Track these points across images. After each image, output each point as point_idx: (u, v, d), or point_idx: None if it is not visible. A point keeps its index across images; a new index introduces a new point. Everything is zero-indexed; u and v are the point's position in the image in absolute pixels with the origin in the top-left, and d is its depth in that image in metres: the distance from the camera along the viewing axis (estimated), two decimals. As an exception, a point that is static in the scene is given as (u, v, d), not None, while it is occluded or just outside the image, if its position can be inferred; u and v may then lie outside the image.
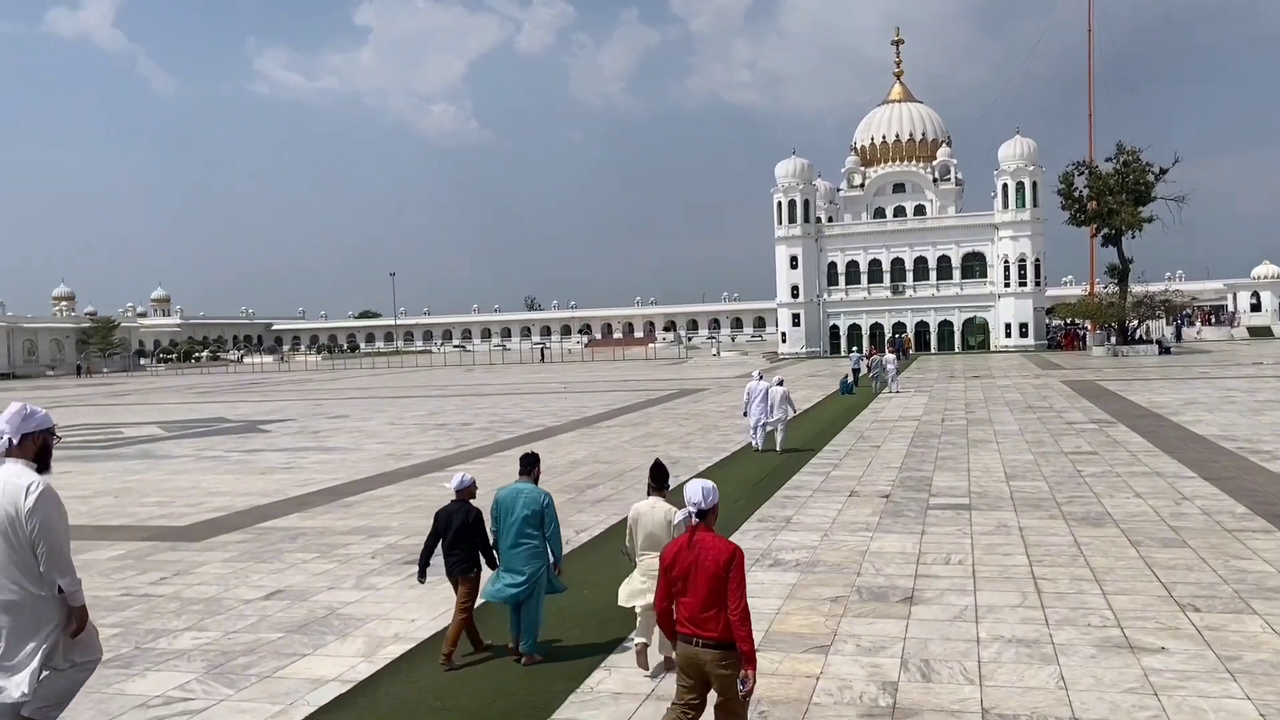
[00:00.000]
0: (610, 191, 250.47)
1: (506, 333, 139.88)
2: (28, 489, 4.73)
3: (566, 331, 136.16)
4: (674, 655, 4.97)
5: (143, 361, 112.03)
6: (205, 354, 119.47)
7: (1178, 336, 68.93)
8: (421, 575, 7.83)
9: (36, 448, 4.94)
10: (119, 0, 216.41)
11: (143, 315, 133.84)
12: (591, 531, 12.12)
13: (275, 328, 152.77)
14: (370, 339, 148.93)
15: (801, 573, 9.74)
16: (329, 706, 6.71)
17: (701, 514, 5.08)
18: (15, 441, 4.83)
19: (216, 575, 10.54)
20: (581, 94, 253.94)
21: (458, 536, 7.53)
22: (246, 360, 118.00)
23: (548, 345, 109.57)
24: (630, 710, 6.43)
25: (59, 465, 19.30)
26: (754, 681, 4.86)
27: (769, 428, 19.49)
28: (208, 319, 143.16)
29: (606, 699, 6.65)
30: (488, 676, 7.16)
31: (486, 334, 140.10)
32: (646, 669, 7.01)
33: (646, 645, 7.05)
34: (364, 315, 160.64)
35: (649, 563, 6.92)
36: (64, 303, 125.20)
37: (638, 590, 7.13)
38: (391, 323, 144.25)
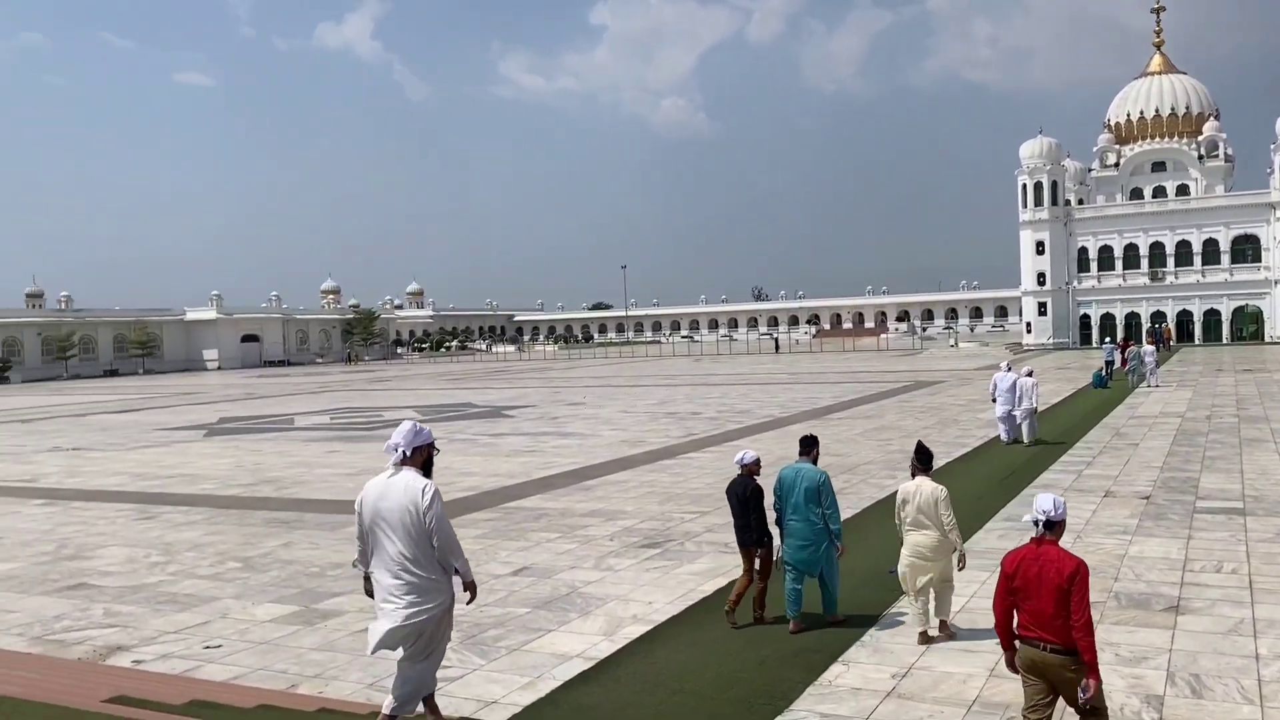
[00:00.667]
0: (840, 179, 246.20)
1: (734, 323, 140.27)
2: (423, 490, 5.74)
3: (794, 322, 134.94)
4: (1017, 660, 5.12)
5: (399, 350, 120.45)
6: (454, 343, 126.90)
7: None
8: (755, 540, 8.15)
9: (423, 458, 5.96)
10: (378, 13, 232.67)
11: (399, 308, 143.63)
12: (825, 523, 11.97)
13: (516, 318, 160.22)
14: (603, 329, 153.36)
15: (1051, 575, 9.21)
16: (573, 682, 6.98)
17: (1049, 525, 5.00)
18: (408, 454, 5.86)
19: (469, 551, 11.17)
20: (812, 81, 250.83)
21: (742, 507, 8.09)
22: (493, 350, 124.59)
23: (775, 335, 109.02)
24: (870, 707, 6.31)
25: (329, 445, 21.08)
26: (1095, 690, 4.78)
27: (1018, 420, 18.62)
28: (456, 311, 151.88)
29: (845, 694, 6.55)
30: (725, 664, 7.22)
31: (714, 325, 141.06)
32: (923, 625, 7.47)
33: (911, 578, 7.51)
34: (597, 307, 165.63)
35: (915, 538, 7.49)
36: (330, 296, 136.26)
37: (906, 565, 7.56)
38: (623, 314, 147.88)
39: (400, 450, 5.84)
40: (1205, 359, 46.88)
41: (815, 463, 8.05)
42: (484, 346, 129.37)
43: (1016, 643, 5.08)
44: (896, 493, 7.82)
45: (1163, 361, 37.76)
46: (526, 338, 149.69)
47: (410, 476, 5.80)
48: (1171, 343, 60.91)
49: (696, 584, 9.42)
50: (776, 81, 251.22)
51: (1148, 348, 34.21)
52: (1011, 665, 5.16)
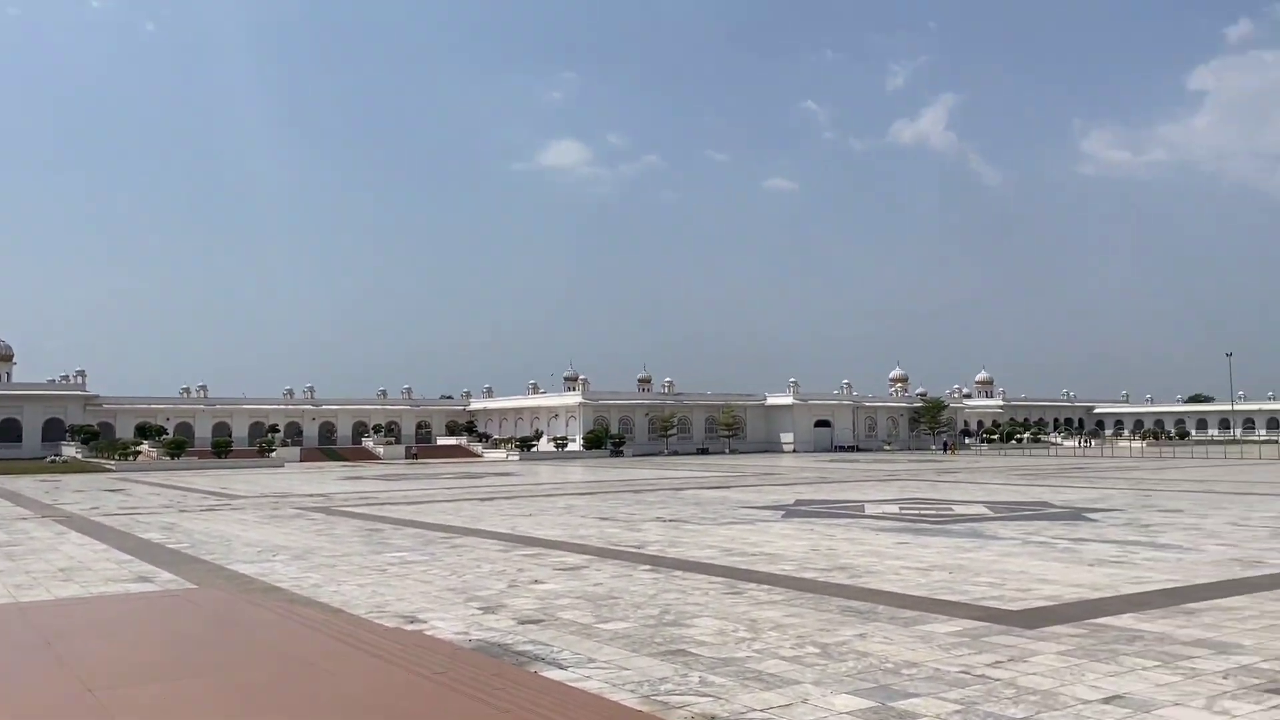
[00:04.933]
0: None
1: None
2: None
3: None
4: None
5: (967, 440, 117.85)
6: (1026, 435, 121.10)
7: None
8: None
9: None
10: (952, 105, 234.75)
11: (967, 396, 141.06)
12: None
13: (1096, 410, 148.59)
14: (1201, 425, 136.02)
15: None
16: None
17: None
18: None
19: (1050, 667, 10.44)
20: None
21: None
22: (1065, 443, 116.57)
23: None
24: None
25: (898, 536, 21.25)
26: None
27: None
28: (1029, 400, 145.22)
29: None
30: None
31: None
32: None
33: None
34: (1194, 399, 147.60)
35: None
36: (898, 384, 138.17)
37: None
38: (1227, 407, 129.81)
39: None
40: None
41: None
42: (1059, 439, 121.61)
43: None
44: None
45: None
46: (1109, 431, 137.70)
47: None
48: None
49: (1345, 750, 7.77)
50: None
51: None
52: None
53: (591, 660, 10.98)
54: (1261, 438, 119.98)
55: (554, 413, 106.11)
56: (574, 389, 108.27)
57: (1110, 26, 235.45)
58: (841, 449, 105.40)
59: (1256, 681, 9.81)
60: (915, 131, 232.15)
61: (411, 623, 13.25)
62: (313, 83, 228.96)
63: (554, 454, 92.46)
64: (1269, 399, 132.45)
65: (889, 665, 10.59)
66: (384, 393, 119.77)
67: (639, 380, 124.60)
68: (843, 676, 10.16)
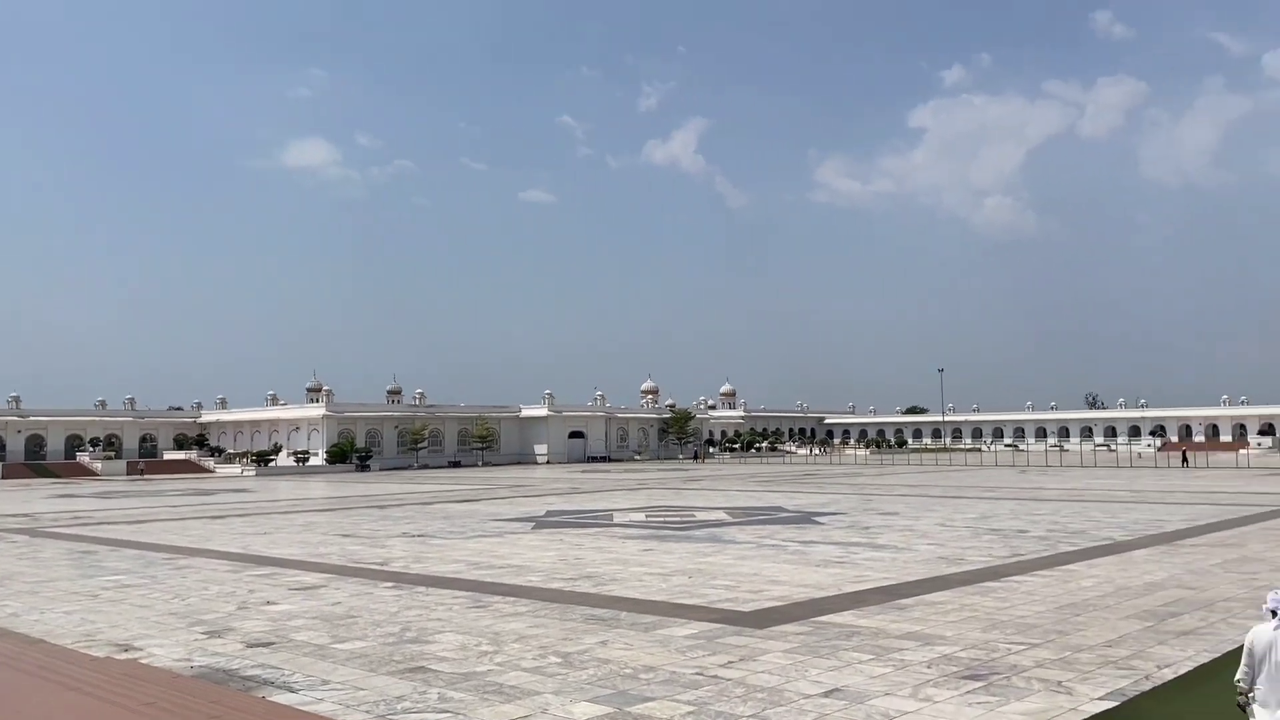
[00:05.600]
0: (1185, 277, 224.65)
1: (1064, 432, 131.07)
2: None
3: (1135, 433, 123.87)
4: None
5: (711, 450, 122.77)
6: (764, 444, 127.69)
7: None
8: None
9: None
10: (701, 129, 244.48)
11: (712, 407, 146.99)
12: (1177, 668, 10.65)
13: (827, 421, 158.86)
14: (917, 434, 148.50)
15: None
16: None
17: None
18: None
19: (777, 665, 11.00)
20: (1153, 173, 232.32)
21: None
22: (799, 451, 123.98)
23: (1113, 447, 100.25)
24: None
25: (644, 543, 21.66)
26: None
27: None
28: (768, 412, 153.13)
29: None
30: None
31: (1041, 433, 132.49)
32: None
33: None
34: (911, 410, 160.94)
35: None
36: (649, 396, 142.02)
37: None
38: (939, 419, 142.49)
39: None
40: None
41: None
42: (793, 448, 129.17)
43: None
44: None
45: None
46: (836, 440, 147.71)
47: None
48: None
49: (1025, 726, 8.66)
50: (1113, 176, 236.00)
51: None
52: None
53: (325, 682, 10.50)
54: (966, 445, 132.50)
55: (295, 425, 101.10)
56: (317, 400, 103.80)
57: (842, 61, 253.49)
58: (594, 459, 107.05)
59: (955, 669, 10.75)
60: (666, 152, 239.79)
61: (125, 651, 12.19)
62: (32, 73, 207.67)
63: (295, 469, 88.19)
64: (973, 411, 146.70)
65: (628, 671, 10.79)
66: (103, 403, 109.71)
67: (388, 392, 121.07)
68: (583, 684, 10.26)
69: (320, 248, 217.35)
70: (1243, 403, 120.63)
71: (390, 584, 17.91)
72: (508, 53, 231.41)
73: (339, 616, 14.52)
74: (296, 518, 35.16)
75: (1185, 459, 75.53)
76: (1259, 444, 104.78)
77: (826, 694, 9.78)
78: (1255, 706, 6.28)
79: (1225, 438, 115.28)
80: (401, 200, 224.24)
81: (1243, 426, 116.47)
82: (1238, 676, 6.42)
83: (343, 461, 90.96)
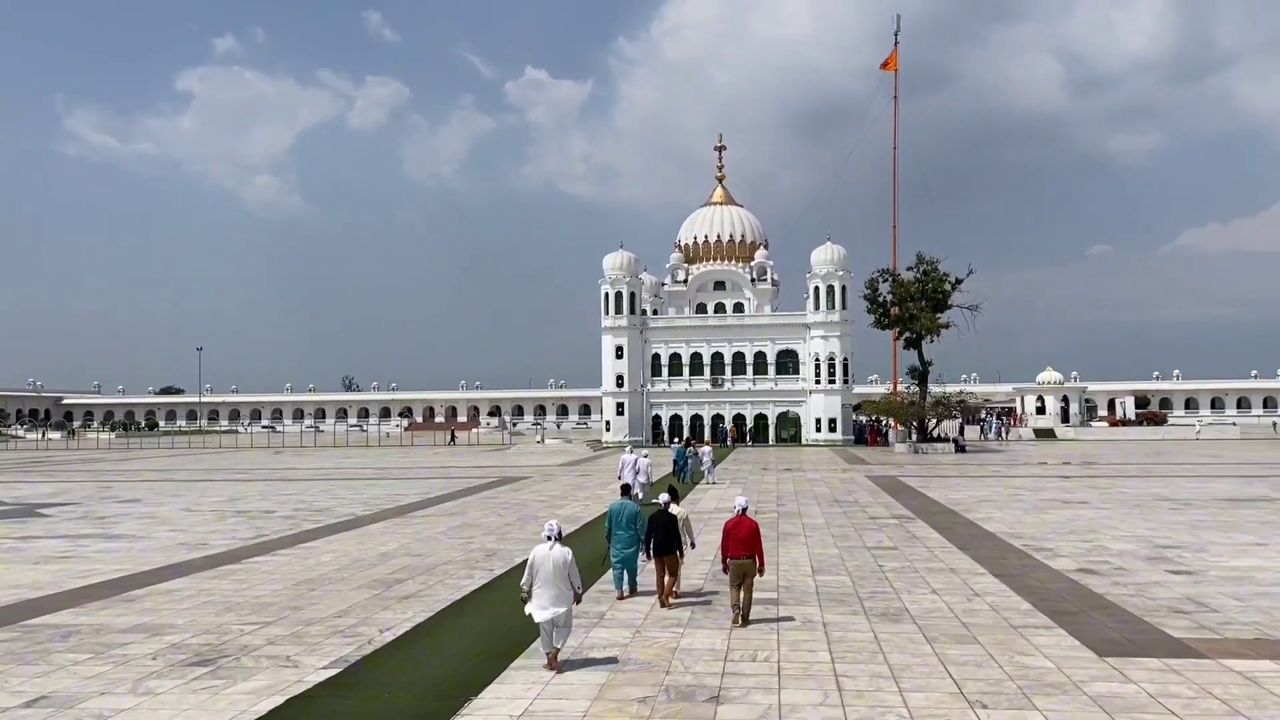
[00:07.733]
0: (438, 273, 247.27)
1: (321, 414, 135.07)
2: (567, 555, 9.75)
3: (386, 414, 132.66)
4: (729, 566, 11.65)
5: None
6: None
7: (1001, 434, 74.28)
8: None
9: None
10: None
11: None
12: (397, 630, 11.63)
13: (66, 402, 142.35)
14: (172, 417, 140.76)
15: (611, 672, 9.64)
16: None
17: (744, 510, 12.02)
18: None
19: (-32, 681, 9.50)
20: (414, 174, 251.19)
21: (666, 531, 12.82)
22: (29, 436, 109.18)
23: (365, 428, 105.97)
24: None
25: None
26: (763, 572, 12.12)
27: (637, 490, 21.98)
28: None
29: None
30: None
31: (300, 415, 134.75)
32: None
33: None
34: (166, 391, 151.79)
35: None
36: None
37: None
38: (196, 400, 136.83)
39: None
40: (755, 458, 52.37)
41: (633, 500, 14.55)
42: (22, 431, 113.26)
43: (729, 560, 11.66)
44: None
45: (719, 460, 41.65)
46: (78, 423, 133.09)
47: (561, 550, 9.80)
48: (732, 441, 67.64)
49: (249, 704, 8.70)
50: (377, 171, 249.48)
51: (705, 449, 37.61)
52: (726, 569, 11.78)
53: None
54: (224, 428, 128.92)
55: None
56: None
57: (106, 11, 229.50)
58: None
59: (183, 657, 10.39)
60: None
61: None
62: None
63: None
64: (232, 392, 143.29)
65: None
66: None
67: None
68: None
69: None
70: (477, 387, 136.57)
71: None
72: None
73: None
74: None
75: (453, 437, 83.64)
76: (488, 424, 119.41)
77: (29, 704, 8.72)
78: (532, 604, 9.61)
79: (462, 419, 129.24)
80: None
81: (476, 409, 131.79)
82: (522, 581, 9.82)
83: None
